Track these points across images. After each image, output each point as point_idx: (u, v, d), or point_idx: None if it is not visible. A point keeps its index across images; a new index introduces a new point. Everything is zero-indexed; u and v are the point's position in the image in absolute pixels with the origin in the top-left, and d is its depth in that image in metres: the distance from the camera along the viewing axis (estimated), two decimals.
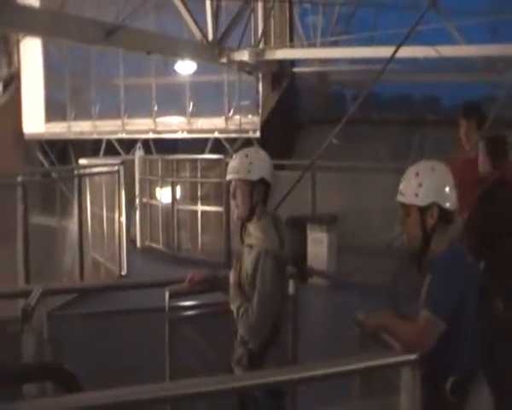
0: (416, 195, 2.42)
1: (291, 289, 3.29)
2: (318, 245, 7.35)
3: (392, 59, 5.19)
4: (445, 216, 2.43)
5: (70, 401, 1.95)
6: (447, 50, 9.65)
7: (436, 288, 2.34)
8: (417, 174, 2.44)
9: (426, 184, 2.41)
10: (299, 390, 3.18)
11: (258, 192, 2.79)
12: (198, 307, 3.26)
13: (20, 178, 6.65)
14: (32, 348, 2.97)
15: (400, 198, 2.48)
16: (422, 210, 2.42)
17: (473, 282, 2.43)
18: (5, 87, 11.65)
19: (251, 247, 2.78)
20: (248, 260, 2.77)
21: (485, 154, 4.00)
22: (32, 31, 8.84)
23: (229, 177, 2.84)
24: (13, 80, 11.92)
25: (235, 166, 2.83)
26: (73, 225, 7.52)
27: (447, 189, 2.44)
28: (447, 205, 2.42)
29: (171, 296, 3.07)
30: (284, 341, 2.87)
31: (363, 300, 4.97)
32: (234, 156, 2.91)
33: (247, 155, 2.84)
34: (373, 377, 2.38)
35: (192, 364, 3.10)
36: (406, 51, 10.42)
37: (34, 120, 14.01)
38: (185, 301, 3.21)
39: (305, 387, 2.99)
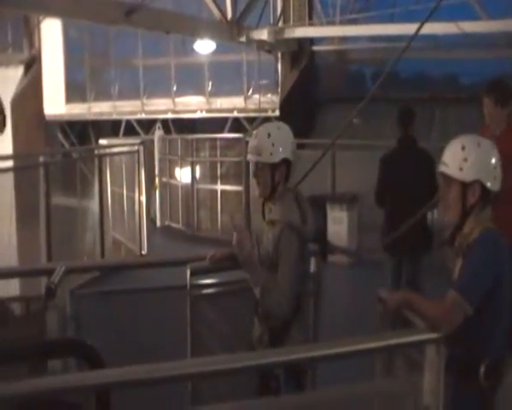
0: (461, 169, 2.31)
1: (313, 267, 3.29)
2: (338, 224, 7.33)
3: (415, 36, 5.07)
4: (486, 196, 2.33)
5: (93, 377, 1.98)
6: (469, 26, 9.46)
7: (469, 271, 2.28)
8: (463, 148, 2.33)
9: (471, 160, 2.31)
10: (320, 368, 3.18)
11: (281, 172, 2.75)
12: (219, 285, 3.27)
13: (41, 159, 6.71)
14: (56, 325, 3.01)
15: (444, 169, 2.37)
16: (465, 186, 2.32)
17: (508, 267, 2.34)
18: (27, 69, 11.74)
19: (272, 224, 2.75)
20: (270, 236, 2.74)
21: None
22: (51, 12, 8.85)
23: (251, 158, 2.77)
24: (34, 62, 12.01)
25: (257, 146, 2.75)
26: (94, 204, 7.58)
27: (492, 167, 2.33)
28: (489, 185, 2.32)
29: (192, 273, 3.09)
30: (305, 319, 2.86)
31: (384, 277, 4.97)
32: (255, 133, 2.82)
33: (269, 135, 2.74)
34: (396, 355, 2.37)
35: (213, 341, 3.12)
36: (427, 28, 10.15)
37: (55, 102, 14.11)
38: (206, 279, 3.22)
39: (326, 365, 3.00)
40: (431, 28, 9.99)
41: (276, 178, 2.74)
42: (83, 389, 2.03)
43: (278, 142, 2.74)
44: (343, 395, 2.37)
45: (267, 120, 12.28)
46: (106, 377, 1.97)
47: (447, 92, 11.75)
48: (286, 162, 2.76)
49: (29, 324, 3.08)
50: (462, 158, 2.32)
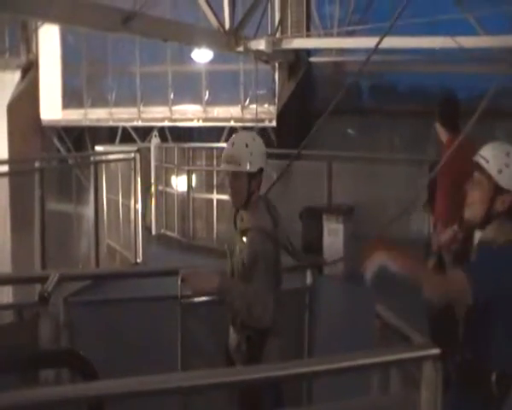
0: (500, 171, 2.29)
1: (308, 279, 3.28)
2: (334, 236, 7.31)
3: (375, 50, 4.92)
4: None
5: (86, 389, 1.95)
6: (467, 41, 9.50)
7: (480, 273, 2.23)
8: (508, 154, 2.31)
9: None
10: (316, 383, 3.16)
11: (257, 181, 2.83)
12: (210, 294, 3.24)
13: (37, 164, 6.68)
14: (49, 333, 2.98)
15: (483, 164, 2.34)
16: (498, 191, 2.31)
17: None
18: (24, 74, 11.72)
19: (244, 233, 2.78)
20: (243, 245, 2.76)
21: None
22: (49, 18, 8.82)
23: (227, 167, 2.79)
24: (31, 68, 12.00)
25: (235, 156, 2.78)
26: (89, 211, 7.54)
27: None
28: None
29: (183, 281, 3.07)
30: (281, 327, 2.83)
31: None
32: (231, 143, 2.84)
33: (246, 145, 2.80)
34: (393, 370, 2.34)
35: (205, 350, 3.10)
36: (424, 42, 10.32)
37: (51, 107, 14.07)
38: None
39: (322, 380, 2.98)
40: (429, 42, 10.08)
41: (252, 186, 2.81)
42: (76, 400, 2.00)
43: (255, 152, 2.80)
44: None
45: (264, 130, 12.31)
46: (99, 389, 1.95)
47: None
48: (261, 172, 2.84)
49: (22, 331, 3.05)
50: (503, 163, 2.30)
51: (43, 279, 3.14)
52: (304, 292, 3.34)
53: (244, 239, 2.76)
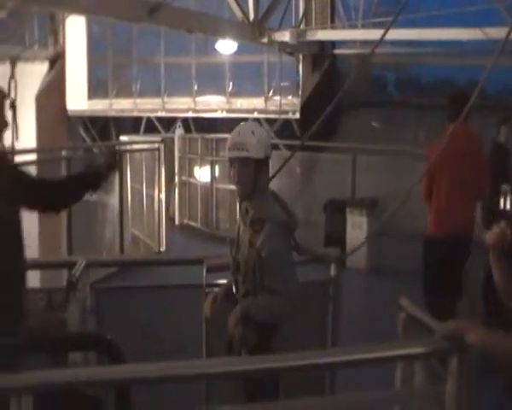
0: None
1: (332, 271, 3.28)
2: (358, 229, 7.27)
3: (381, 41, 4.85)
4: None
5: (113, 372, 1.99)
6: (495, 32, 9.34)
7: None
8: None
9: None
10: (339, 374, 3.17)
11: (264, 169, 2.81)
12: None
13: (64, 153, 6.78)
14: (77, 317, 3.04)
15: None
16: None
17: None
18: (51, 65, 11.88)
19: (254, 224, 2.74)
20: (256, 237, 2.73)
21: None
22: (77, 9, 8.92)
23: (235, 154, 2.75)
24: (58, 59, 12.15)
25: (242, 142, 2.75)
26: (114, 200, 7.62)
27: None
28: None
29: (208, 271, 3.10)
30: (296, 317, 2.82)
31: (402, 284, 4.91)
32: (236, 131, 2.82)
33: (253, 132, 2.78)
34: (416, 363, 2.33)
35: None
36: (452, 34, 10.16)
37: (77, 98, 14.22)
38: (223, 277, 3.22)
39: (345, 371, 2.99)
40: (456, 34, 9.93)
41: (258, 174, 2.77)
42: (103, 383, 2.04)
43: (262, 139, 2.79)
44: (362, 401, 2.35)
45: (287, 121, 12.28)
46: (126, 372, 1.98)
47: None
48: (268, 160, 2.83)
49: (51, 315, 3.12)
50: None
51: (70, 265, 3.21)
52: (328, 284, 3.34)
53: (254, 230, 2.72)
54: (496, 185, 5.32)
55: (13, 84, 6.96)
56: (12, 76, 7.88)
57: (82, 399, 2.15)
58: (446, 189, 4.58)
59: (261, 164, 2.78)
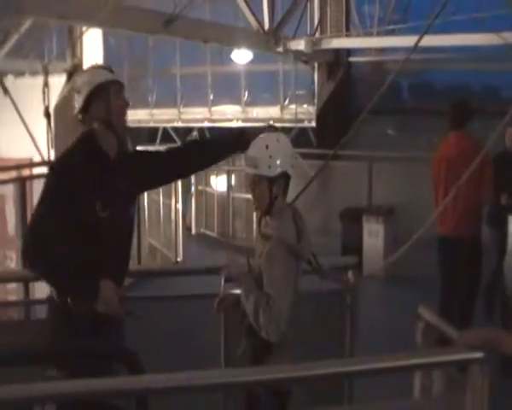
0: None
1: (350, 279, 3.28)
2: (374, 237, 7.25)
3: (414, 49, 5.06)
4: None
5: (134, 383, 2.00)
6: None
7: None
8: None
9: None
10: (357, 383, 3.16)
11: (278, 186, 2.61)
12: None
13: None
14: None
15: None
16: None
17: None
18: (69, 78, 12.06)
19: (266, 238, 2.62)
20: (263, 251, 2.60)
21: None
22: (95, 23, 9.05)
23: (247, 170, 2.64)
24: (76, 71, 12.32)
25: (254, 157, 2.60)
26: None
27: None
28: None
29: (226, 280, 3.11)
30: (290, 339, 2.62)
31: (420, 292, 4.89)
32: (252, 144, 2.67)
33: (267, 147, 2.60)
34: (436, 372, 2.32)
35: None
36: (469, 39, 10.10)
37: None
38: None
39: (362, 380, 2.98)
40: (473, 39, 9.86)
41: (273, 192, 2.61)
42: (122, 393, 2.06)
43: (276, 154, 2.59)
44: None
45: (303, 130, 12.29)
46: (146, 382, 2.00)
47: (488, 105, 11.55)
48: (284, 176, 2.63)
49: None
50: None
51: None
52: (345, 292, 3.33)
53: (265, 246, 2.60)
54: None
55: (46, 92, 7.06)
56: (46, 84, 7.99)
57: (103, 407, 2.17)
58: (443, 194, 5.00)
59: (277, 180, 2.60)
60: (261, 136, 2.72)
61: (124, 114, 2.78)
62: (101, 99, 2.72)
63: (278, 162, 2.59)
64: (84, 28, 10.70)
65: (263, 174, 2.59)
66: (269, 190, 2.61)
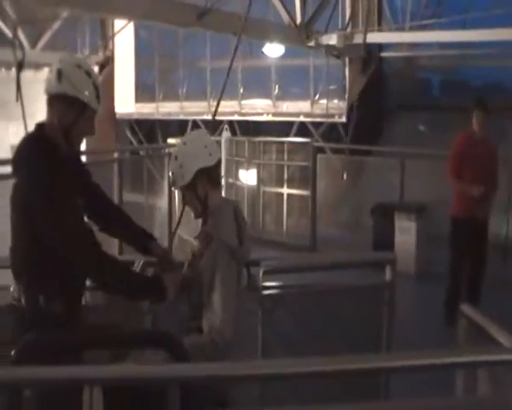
0: None
1: (387, 276, 3.26)
2: (406, 234, 7.17)
3: None
4: None
5: (178, 370, 2.02)
6: None
7: None
8: None
9: None
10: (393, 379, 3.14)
11: (201, 183, 2.66)
12: (290, 287, 3.28)
13: (116, 155, 6.93)
14: (134, 316, 3.11)
15: None
16: None
17: None
18: (101, 70, 12.22)
19: (207, 237, 2.63)
20: (206, 252, 2.61)
21: None
22: (130, 16, 9.14)
23: (172, 187, 2.78)
24: (107, 64, 12.48)
25: (170, 176, 2.71)
26: (160, 202, 7.74)
27: None
28: None
29: (265, 273, 3.11)
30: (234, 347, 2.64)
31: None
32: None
33: (176, 157, 2.68)
34: (479, 371, 2.29)
35: (286, 340, 3.13)
36: (502, 34, 9.90)
37: (125, 101, 14.53)
38: (278, 280, 3.23)
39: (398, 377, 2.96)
40: (507, 34, 9.67)
41: (199, 193, 2.67)
42: (167, 380, 2.08)
43: (185, 160, 2.64)
44: (421, 408, 2.32)
45: (333, 125, 12.22)
46: (189, 371, 2.02)
47: None
48: (205, 171, 2.65)
49: (111, 312, 3.20)
50: None
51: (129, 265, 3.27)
52: (382, 288, 3.31)
53: (207, 248, 2.60)
54: None
55: None
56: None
57: (145, 394, 2.20)
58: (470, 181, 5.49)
59: (196, 181, 2.63)
60: (174, 149, 2.80)
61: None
62: (74, 109, 2.42)
63: (189, 167, 2.64)
64: (116, 22, 10.83)
65: (181, 185, 2.67)
66: (195, 195, 2.66)
